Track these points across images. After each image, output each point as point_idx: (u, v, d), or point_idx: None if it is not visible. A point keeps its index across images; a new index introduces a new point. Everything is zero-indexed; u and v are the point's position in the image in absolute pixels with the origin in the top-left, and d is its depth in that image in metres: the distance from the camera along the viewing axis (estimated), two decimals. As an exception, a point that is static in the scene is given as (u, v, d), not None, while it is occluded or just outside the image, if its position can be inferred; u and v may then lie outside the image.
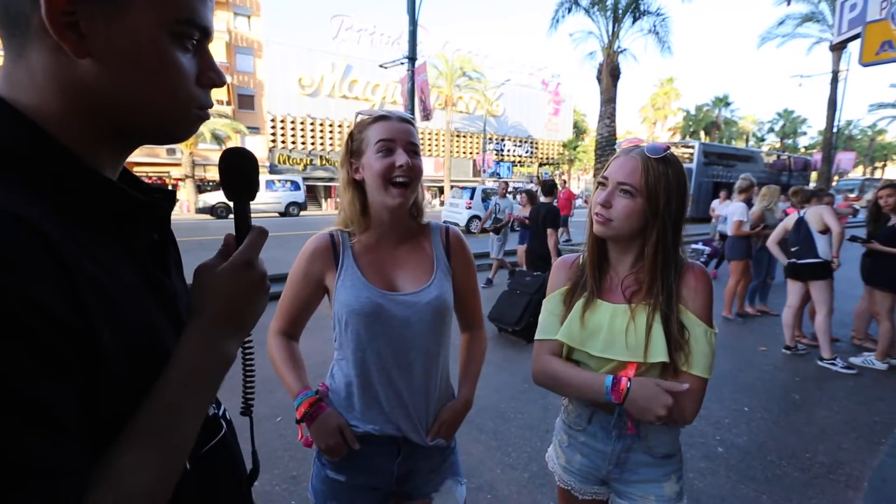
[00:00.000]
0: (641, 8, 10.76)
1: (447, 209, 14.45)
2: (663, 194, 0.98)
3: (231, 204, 0.59)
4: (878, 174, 51.08)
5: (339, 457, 1.05)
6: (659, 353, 0.98)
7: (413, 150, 1.04)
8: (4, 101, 0.43)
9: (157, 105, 0.47)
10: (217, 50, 23.81)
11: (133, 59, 0.44)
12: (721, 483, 2.38)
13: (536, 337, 1.15)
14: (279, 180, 20.03)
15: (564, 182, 11.61)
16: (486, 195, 15.04)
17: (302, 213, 20.35)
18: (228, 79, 24.19)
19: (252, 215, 0.60)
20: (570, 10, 11.25)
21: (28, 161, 0.42)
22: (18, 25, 0.42)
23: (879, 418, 3.10)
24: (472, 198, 13.77)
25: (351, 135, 1.07)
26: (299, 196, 20.14)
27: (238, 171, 0.59)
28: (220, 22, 24.02)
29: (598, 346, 1.04)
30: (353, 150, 1.07)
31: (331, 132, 27.08)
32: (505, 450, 2.63)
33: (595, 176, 11.51)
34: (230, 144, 22.24)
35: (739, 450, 2.69)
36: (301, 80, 25.92)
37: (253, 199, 0.60)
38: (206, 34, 0.50)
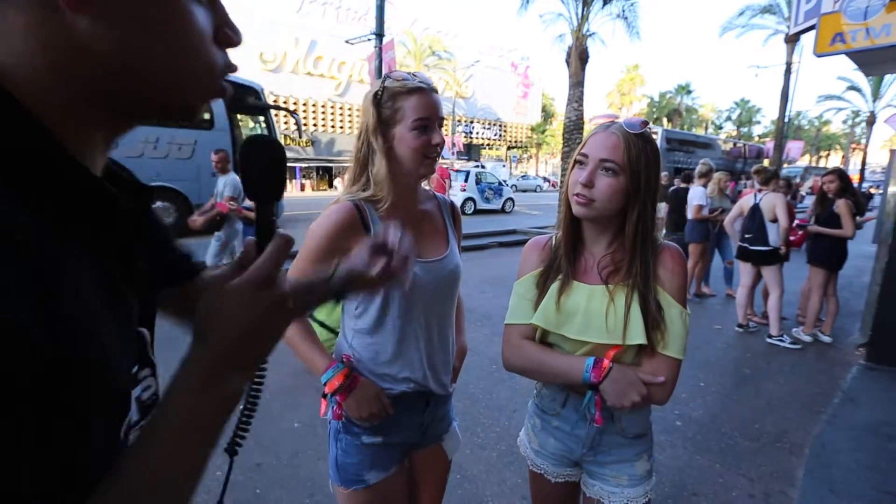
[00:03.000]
0: (610, -9, 10.79)
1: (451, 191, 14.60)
2: (644, 171, 0.96)
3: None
4: (822, 163, 54.40)
5: (378, 422, 1.07)
6: (637, 335, 0.96)
7: (441, 123, 1.09)
8: None
9: (176, 70, 0.38)
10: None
11: (142, 15, 0.36)
12: (679, 455, 2.50)
13: (507, 321, 1.12)
14: None
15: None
16: (479, 179, 15.60)
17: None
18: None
19: None
20: (540, -10, 11.17)
21: None
22: None
23: (820, 389, 3.33)
24: (466, 180, 15.00)
25: (380, 101, 1.05)
26: None
27: (265, 166, 0.46)
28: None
29: (575, 329, 1.01)
30: (385, 118, 1.05)
31: (295, 110, 26.04)
32: (474, 430, 2.65)
33: (563, 160, 11.61)
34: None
35: (696, 423, 2.83)
36: (262, 56, 24.64)
37: (279, 199, 0.48)
38: None
